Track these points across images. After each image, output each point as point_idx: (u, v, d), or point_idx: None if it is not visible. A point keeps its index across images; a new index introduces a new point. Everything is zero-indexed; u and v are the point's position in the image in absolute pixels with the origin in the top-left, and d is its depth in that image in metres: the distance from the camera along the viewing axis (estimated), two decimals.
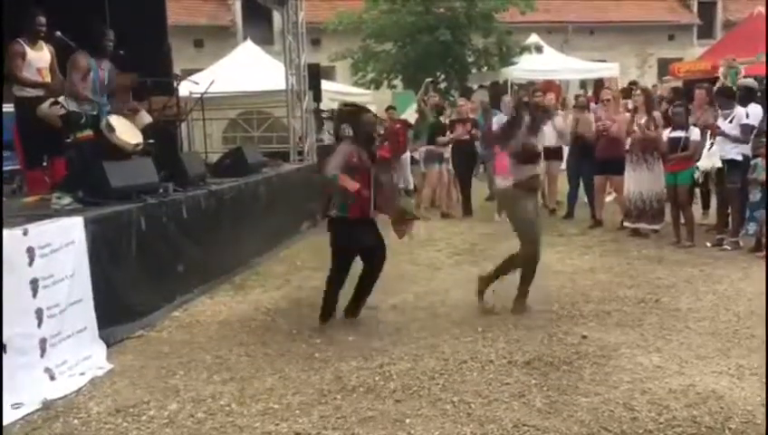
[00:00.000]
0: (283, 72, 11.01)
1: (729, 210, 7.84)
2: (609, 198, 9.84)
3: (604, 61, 20.79)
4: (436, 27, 17.89)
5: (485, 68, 19.28)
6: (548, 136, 8.36)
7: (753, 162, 7.48)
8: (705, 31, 25.65)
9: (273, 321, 5.71)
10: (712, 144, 7.74)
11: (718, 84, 10.71)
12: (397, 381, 4.29)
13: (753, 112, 7.54)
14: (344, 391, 4.20)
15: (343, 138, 5.80)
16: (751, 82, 8.49)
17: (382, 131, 7.89)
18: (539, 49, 18.86)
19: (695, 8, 26.14)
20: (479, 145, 10.77)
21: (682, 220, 8.07)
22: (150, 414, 3.97)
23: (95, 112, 6.12)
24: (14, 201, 6.28)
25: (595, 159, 9.17)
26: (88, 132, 6.02)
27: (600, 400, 3.96)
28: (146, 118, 7.14)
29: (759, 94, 7.92)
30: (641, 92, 9.13)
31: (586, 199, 9.82)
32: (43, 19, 6.41)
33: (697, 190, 8.88)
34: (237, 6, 22.75)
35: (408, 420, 3.78)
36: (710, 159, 7.72)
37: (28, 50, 6.38)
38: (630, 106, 9.14)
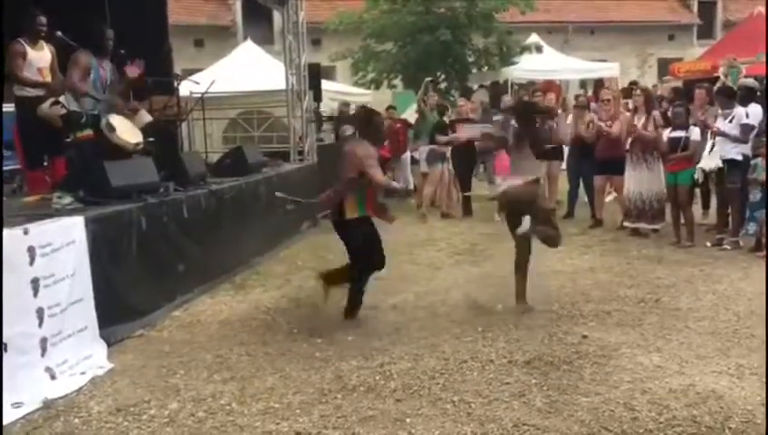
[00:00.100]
0: (284, 71, 11.00)
1: (729, 210, 7.84)
2: (609, 198, 9.85)
3: (604, 61, 20.78)
4: (436, 27, 17.89)
5: (486, 68, 19.28)
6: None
7: (753, 162, 7.49)
8: (706, 31, 25.65)
9: (274, 320, 5.71)
10: (713, 145, 7.75)
11: (718, 84, 10.71)
12: (397, 381, 4.30)
13: (754, 112, 7.54)
14: (345, 390, 4.20)
15: (344, 137, 5.85)
16: (751, 81, 8.49)
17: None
18: (539, 49, 18.86)
19: (695, 8, 26.14)
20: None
21: (682, 220, 8.08)
22: (151, 413, 3.98)
23: (95, 112, 6.12)
24: (14, 201, 6.27)
25: (595, 159, 9.18)
26: (88, 132, 6.02)
27: (600, 399, 3.97)
28: (146, 117, 7.13)
29: (759, 94, 7.92)
30: (641, 92, 9.14)
31: (586, 199, 9.83)
32: (43, 19, 6.41)
33: (697, 190, 8.88)
34: (238, 6, 22.75)
35: (408, 420, 3.78)
36: (712, 160, 7.73)
37: (29, 50, 6.38)
38: (631, 106, 9.15)
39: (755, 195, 7.49)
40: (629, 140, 8.56)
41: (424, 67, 17.21)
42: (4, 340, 3.96)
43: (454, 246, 8.47)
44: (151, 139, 6.88)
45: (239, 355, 4.88)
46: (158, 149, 7.10)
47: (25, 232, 4.29)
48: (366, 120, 5.74)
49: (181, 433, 3.76)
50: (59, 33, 6.17)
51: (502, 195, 5.80)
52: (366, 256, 5.44)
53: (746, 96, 7.74)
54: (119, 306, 5.22)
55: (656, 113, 8.58)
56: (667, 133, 8.13)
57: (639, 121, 8.41)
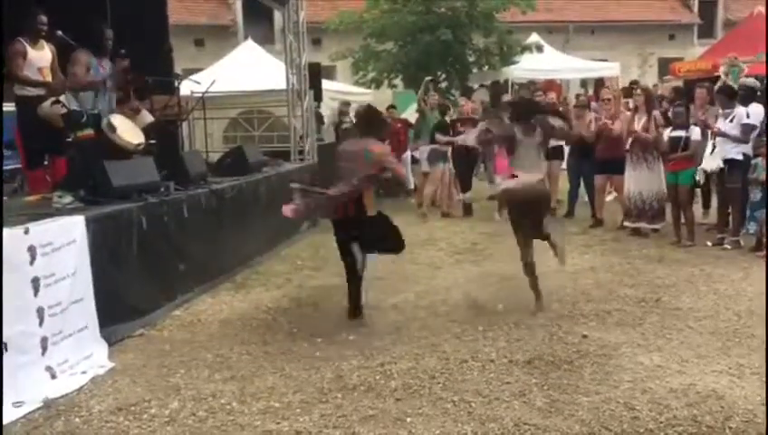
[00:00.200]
0: (284, 71, 11.00)
1: (730, 210, 7.84)
2: (609, 198, 9.85)
3: (605, 60, 20.76)
4: (436, 27, 17.87)
5: (486, 67, 19.25)
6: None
7: (753, 162, 7.49)
8: (706, 30, 25.62)
9: (274, 320, 5.72)
10: (714, 146, 7.73)
11: (719, 83, 10.70)
12: (397, 380, 4.30)
13: (754, 112, 7.54)
14: (345, 389, 4.20)
15: (343, 133, 5.90)
16: (752, 81, 8.49)
17: None
18: (540, 48, 18.84)
19: (695, 8, 26.11)
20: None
21: (683, 220, 8.07)
22: (151, 413, 3.98)
23: (96, 111, 6.13)
24: (15, 200, 6.28)
25: (595, 158, 9.18)
26: (89, 131, 6.03)
27: (600, 399, 3.97)
28: (147, 117, 7.15)
29: (759, 94, 7.91)
30: (642, 92, 9.14)
31: (586, 199, 9.83)
32: (44, 18, 6.40)
33: (698, 190, 8.88)
34: (238, 6, 22.74)
35: (408, 419, 3.79)
36: (713, 161, 7.72)
37: (29, 49, 6.37)
38: (631, 105, 9.15)
39: (756, 194, 7.50)
40: (630, 139, 8.56)
41: (424, 67, 17.20)
42: (5, 339, 3.97)
43: (454, 245, 8.47)
44: (152, 139, 6.88)
45: (240, 354, 4.88)
46: (159, 149, 7.11)
47: (26, 231, 4.29)
48: (369, 118, 5.77)
49: (182, 432, 3.76)
50: (59, 32, 6.17)
51: (512, 193, 5.68)
52: (393, 239, 5.52)
53: (747, 96, 7.74)
54: (119, 306, 5.22)
55: (656, 113, 8.58)
56: (667, 133, 8.13)
57: (640, 121, 8.40)
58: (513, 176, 5.62)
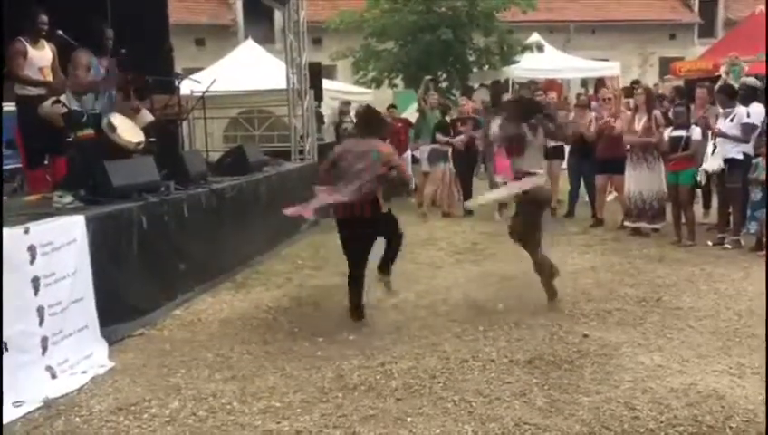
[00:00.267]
0: (285, 70, 11.00)
1: (730, 209, 7.83)
2: (609, 198, 9.85)
3: (606, 60, 20.75)
4: (437, 26, 17.86)
5: (487, 67, 19.25)
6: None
7: (754, 161, 7.48)
8: (707, 30, 25.61)
9: (275, 319, 5.71)
10: (714, 146, 7.72)
11: (719, 83, 10.70)
12: (398, 380, 4.30)
13: (755, 112, 7.53)
14: (345, 389, 4.20)
15: (344, 134, 5.91)
16: (753, 80, 8.48)
17: None
18: (540, 48, 18.83)
19: (696, 7, 26.10)
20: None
21: (683, 219, 8.07)
22: (152, 412, 3.98)
23: (96, 110, 6.12)
24: (15, 200, 6.28)
25: (596, 158, 9.18)
26: (89, 131, 6.02)
27: (601, 398, 3.97)
28: (147, 117, 7.15)
29: (759, 93, 7.91)
30: (642, 91, 9.13)
31: (587, 198, 9.82)
32: (45, 17, 6.40)
33: (698, 189, 8.87)
34: (238, 5, 22.74)
35: (409, 419, 3.78)
36: (714, 161, 7.71)
37: (29, 48, 6.37)
38: (632, 105, 9.14)
39: (756, 194, 7.49)
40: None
41: (425, 66, 17.19)
42: (5, 339, 3.97)
43: (455, 245, 8.46)
44: (152, 138, 6.88)
45: (240, 354, 4.88)
46: (159, 149, 7.11)
47: (26, 231, 4.29)
48: (368, 119, 5.79)
49: (182, 432, 3.76)
50: (59, 31, 6.17)
51: (523, 194, 5.62)
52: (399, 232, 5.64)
53: (748, 95, 7.74)
54: (119, 305, 5.22)
55: (657, 112, 8.57)
56: (668, 132, 8.13)
57: (641, 121, 8.40)
58: (518, 178, 5.59)
